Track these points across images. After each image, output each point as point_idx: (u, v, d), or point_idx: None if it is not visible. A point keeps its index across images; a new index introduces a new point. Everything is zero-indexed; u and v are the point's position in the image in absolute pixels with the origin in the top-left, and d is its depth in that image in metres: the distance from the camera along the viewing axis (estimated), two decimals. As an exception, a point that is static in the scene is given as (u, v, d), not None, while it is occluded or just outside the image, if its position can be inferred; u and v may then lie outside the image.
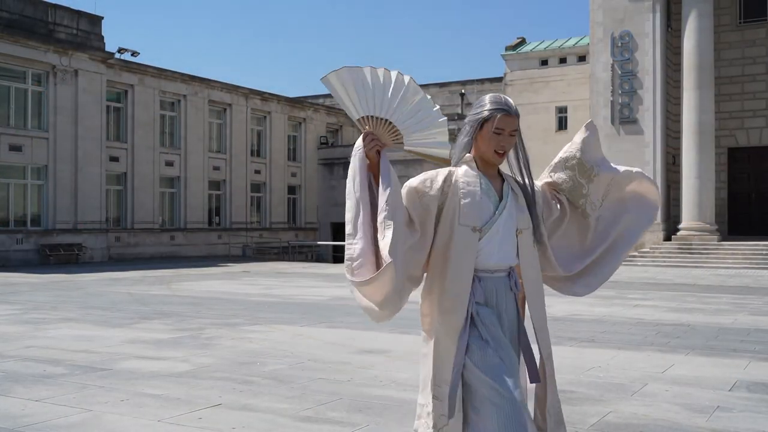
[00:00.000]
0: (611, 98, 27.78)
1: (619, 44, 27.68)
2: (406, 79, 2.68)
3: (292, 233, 35.48)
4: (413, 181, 2.70)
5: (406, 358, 6.64)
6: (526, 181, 2.79)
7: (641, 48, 27.42)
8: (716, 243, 25.58)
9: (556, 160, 3.03)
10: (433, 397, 2.64)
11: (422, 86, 2.70)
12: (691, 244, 25.47)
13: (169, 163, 30.61)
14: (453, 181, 2.68)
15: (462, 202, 2.63)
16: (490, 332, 2.60)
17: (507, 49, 34.78)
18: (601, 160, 3.02)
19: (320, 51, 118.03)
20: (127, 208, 29.02)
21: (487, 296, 2.66)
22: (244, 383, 5.61)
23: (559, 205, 2.97)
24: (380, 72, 2.65)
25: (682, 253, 25.10)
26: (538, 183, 2.96)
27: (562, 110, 33.31)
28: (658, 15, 27.29)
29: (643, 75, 27.35)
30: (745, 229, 28.63)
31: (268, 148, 35.11)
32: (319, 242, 35.18)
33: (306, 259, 33.24)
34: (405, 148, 2.74)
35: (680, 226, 26.34)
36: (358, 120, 2.66)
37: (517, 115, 2.69)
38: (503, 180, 2.77)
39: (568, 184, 2.96)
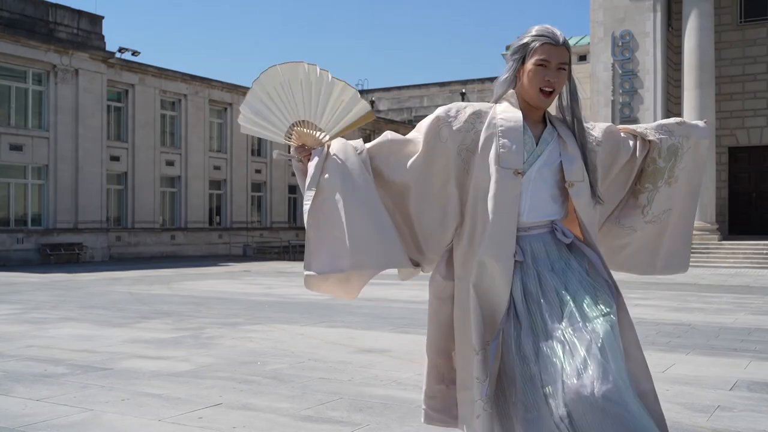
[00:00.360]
0: (612, 98, 27.77)
1: (620, 44, 27.67)
2: (303, 70, 2.45)
3: (293, 233, 35.47)
4: (438, 111, 2.36)
5: (406, 358, 6.64)
6: (575, 125, 2.36)
7: (642, 47, 27.41)
8: (717, 242, 25.58)
9: (654, 124, 2.58)
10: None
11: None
12: (691, 244, 25.46)
13: (170, 163, 30.61)
14: (489, 117, 2.31)
15: (500, 142, 2.25)
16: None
17: (507, 48, 34.75)
18: (694, 170, 2.62)
19: (320, 50, 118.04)
20: (127, 207, 29.02)
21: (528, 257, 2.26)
22: (245, 383, 5.61)
23: (632, 143, 2.52)
24: (273, 78, 2.49)
25: (682, 252, 25.08)
26: (603, 126, 2.51)
27: (562, 109, 33.31)
28: (658, 14, 27.28)
29: (644, 74, 27.34)
30: (746, 228, 28.63)
31: (269, 147, 35.09)
32: (319, 242, 35.09)
33: (306, 259, 33.17)
34: (329, 138, 2.42)
35: (681, 225, 26.33)
36: (289, 142, 2.49)
37: (566, 47, 2.29)
38: (545, 125, 2.37)
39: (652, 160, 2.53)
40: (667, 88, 27.98)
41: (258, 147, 34.88)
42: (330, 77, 2.41)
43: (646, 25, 27.39)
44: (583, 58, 32.59)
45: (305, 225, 2.33)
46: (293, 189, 36.40)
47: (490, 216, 2.21)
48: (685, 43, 26.54)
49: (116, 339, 7.94)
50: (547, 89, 2.28)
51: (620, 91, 27.71)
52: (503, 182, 2.21)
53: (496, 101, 2.37)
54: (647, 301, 12.46)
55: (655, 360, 6.71)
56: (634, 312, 10.32)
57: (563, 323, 2.12)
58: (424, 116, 2.49)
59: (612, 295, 2.28)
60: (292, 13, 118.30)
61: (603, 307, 2.18)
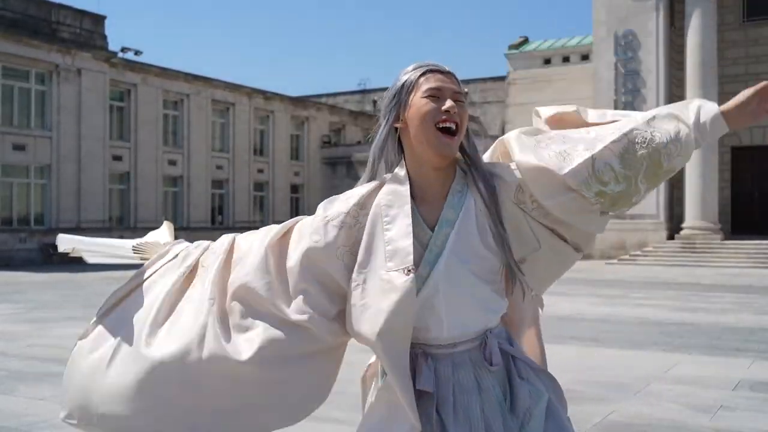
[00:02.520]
0: (615, 97, 27.73)
1: (623, 43, 27.63)
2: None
3: (295, 232, 35.43)
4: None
5: (409, 358, 6.63)
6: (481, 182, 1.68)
7: (644, 47, 27.38)
8: (719, 242, 25.53)
9: (623, 128, 1.74)
10: None
11: None
12: (694, 243, 25.42)
13: (172, 162, 30.63)
14: (373, 203, 1.71)
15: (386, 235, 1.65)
16: None
17: (510, 48, 34.73)
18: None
19: (323, 50, 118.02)
20: (130, 207, 29.04)
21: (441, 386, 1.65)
22: (247, 382, 5.60)
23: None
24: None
25: (685, 252, 25.05)
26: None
27: (565, 109, 33.27)
28: (661, 13, 27.25)
29: (647, 74, 27.31)
30: (749, 228, 28.56)
31: (271, 147, 35.12)
32: (322, 241, 35.15)
33: (309, 258, 33.23)
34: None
35: (683, 225, 26.29)
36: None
37: (456, 77, 1.71)
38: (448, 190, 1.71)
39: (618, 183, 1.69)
40: (670, 88, 27.94)
41: (261, 147, 34.90)
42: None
43: (648, 25, 27.36)
44: (585, 57, 32.53)
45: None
46: (296, 189, 36.42)
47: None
48: (687, 42, 26.50)
49: (119, 338, 7.94)
50: (448, 125, 1.64)
51: (623, 90, 27.68)
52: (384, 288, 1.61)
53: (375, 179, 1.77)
54: (650, 301, 12.44)
55: (658, 360, 6.70)
56: (637, 312, 10.26)
57: None
58: None
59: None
60: (294, 12, 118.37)
61: None
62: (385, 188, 1.71)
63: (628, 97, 27.59)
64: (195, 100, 31.42)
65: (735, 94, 1.90)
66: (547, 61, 34.08)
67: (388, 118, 1.72)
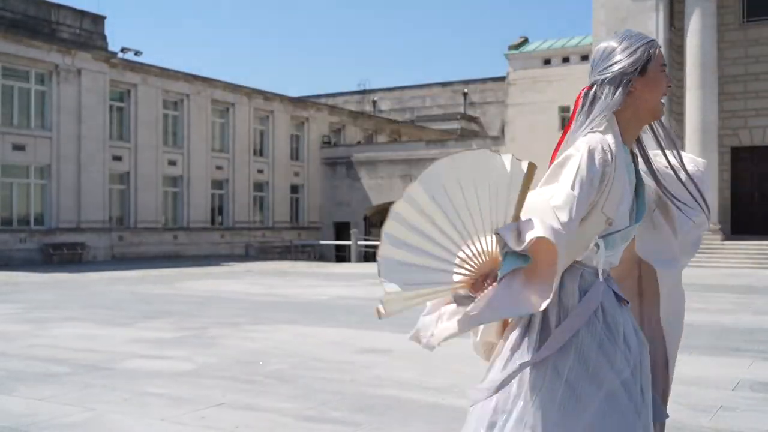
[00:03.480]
0: (614, 97, 27.73)
1: (622, 43, 27.63)
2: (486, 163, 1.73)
3: (295, 233, 35.47)
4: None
5: (408, 358, 6.64)
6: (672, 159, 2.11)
7: (644, 47, 27.36)
8: (719, 242, 25.54)
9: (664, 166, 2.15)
10: None
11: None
12: (694, 244, 25.41)
13: (172, 163, 30.63)
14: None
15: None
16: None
17: (510, 48, 34.75)
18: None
19: (323, 50, 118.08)
20: (130, 207, 29.04)
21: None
22: (247, 382, 5.61)
23: None
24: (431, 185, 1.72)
25: (685, 252, 25.05)
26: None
27: (564, 109, 33.27)
28: (660, 14, 27.25)
29: (646, 74, 27.29)
30: (748, 228, 28.57)
31: (271, 147, 35.12)
32: (321, 242, 35.16)
33: (309, 259, 33.23)
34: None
35: (684, 225, 26.30)
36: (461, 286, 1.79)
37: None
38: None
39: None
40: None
41: (260, 147, 34.90)
42: (510, 162, 1.72)
43: (648, 25, 27.34)
44: (585, 57, 32.53)
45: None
46: (295, 189, 36.41)
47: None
48: (687, 42, 26.51)
49: (119, 338, 7.95)
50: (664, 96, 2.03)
51: (622, 90, 27.66)
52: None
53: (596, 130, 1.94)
54: (650, 301, 12.43)
55: (657, 360, 6.71)
56: (636, 312, 10.06)
57: None
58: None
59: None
60: (294, 12, 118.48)
61: None
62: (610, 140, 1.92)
63: (628, 97, 27.58)
64: (195, 101, 31.42)
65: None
66: (547, 62, 34.09)
67: (624, 86, 1.96)
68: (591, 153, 1.85)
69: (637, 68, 1.97)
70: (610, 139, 1.90)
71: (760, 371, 6.15)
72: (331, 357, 6.73)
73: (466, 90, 45.08)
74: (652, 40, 2.01)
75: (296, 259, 31.84)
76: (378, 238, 1.99)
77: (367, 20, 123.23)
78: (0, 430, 4.28)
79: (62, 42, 25.66)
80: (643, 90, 1.98)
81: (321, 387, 5.42)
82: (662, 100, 2.03)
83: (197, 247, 30.95)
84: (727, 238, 26.39)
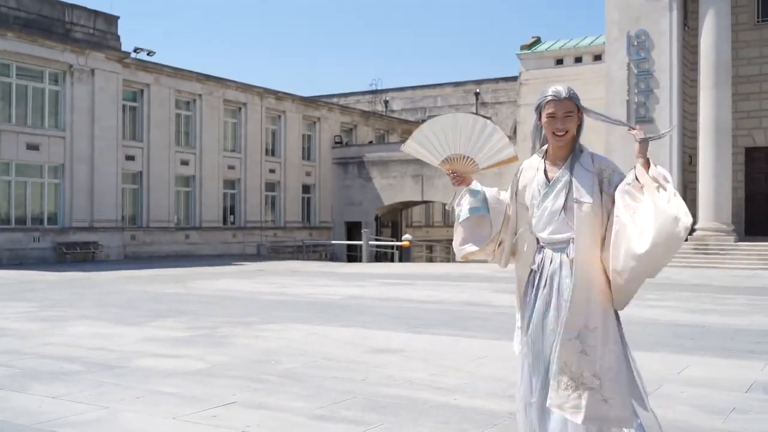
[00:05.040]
0: (627, 97, 27.60)
1: (635, 43, 27.50)
2: (466, 120, 3.34)
3: (307, 232, 35.54)
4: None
5: (420, 358, 6.64)
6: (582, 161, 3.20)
7: (657, 47, 27.22)
8: (733, 243, 25.37)
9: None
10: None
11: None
12: (707, 245, 25.26)
13: (185, 162, 30.75)
14: (521, 169, 3.30)
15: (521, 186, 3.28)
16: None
17: (522, 48, 34.65)
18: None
19: (335, 50, 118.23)
20: (142, 206, 29.18)
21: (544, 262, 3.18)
22: (259, 381, 5.63)
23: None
24: (438, 123, 3.36)
25: (698, 253, 24.90)
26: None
27: (577, 109, 33.14)
28: (674, 13, 27.09)
29: (660, 74, 27.15)
30: (762, 229, 28.36)
31: (283, 147, 35.19)
32: (333, 241, 35.21)
33: (320, 258, 33.29)
34: (480, 168, 3.33)
35: (696, 226, 26.13)
36: (440, 165, 3.33)
37: (569, 98, 3.09)
38: (568, 162, 3.16)
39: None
40: (683, 88, 27.79)
41: (272, 147, 34.98)
42: (491, 126, 3.33)
43: (661, 24, 27.20)
44: (598, 57, 32.41)
45: (458, 225, 3.41)
46: (307, 189, 36.48)
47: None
48: (701, 42, 26.34)
49: (131, 337, 7.99)
50: (558, 133, 3.14)
51: (635, 90, 27.54)
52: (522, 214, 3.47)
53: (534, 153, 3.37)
54: (663, 302, 12.38)
55: (670, 362, 6.67)
56: (649, 313, 10.20)
57: None
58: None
59: None
60: (306, 12, 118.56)
61: None
62: (531, 159, 3.35)
63: (641, 97, 27.46)
64: (207, 100, 31.53)
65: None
66: (560, 62, 33.96)
67: (535, 120, 3.27)
68: None
69: (536, 116, 3.27)
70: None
71: (774, 373, 6.10)
72: (343, 356, 6.73)
73: (478, 90, 44.99)
74: (546, 95, 3.16)
75: (308, 258, 31.89)
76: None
77: (379, 20, 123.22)
78: (14, 427, 4.32)
79: (76, 42, 25.81)
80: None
81: (332, 386, 5.42)
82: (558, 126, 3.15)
83: (209, 247, 31.05)
84: (740, 239, 26.19)
